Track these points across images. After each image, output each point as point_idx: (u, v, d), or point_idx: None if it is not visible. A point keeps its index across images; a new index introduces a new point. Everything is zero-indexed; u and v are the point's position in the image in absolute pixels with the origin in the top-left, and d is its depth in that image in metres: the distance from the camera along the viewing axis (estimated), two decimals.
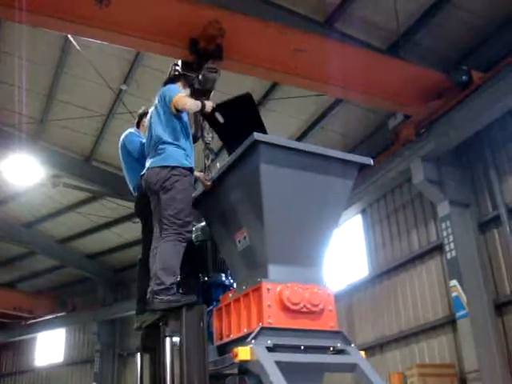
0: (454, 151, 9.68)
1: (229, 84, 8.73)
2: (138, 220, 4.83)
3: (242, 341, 3.59)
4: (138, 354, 4.35)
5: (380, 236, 11.68)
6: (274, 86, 10.26)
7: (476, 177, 9.72)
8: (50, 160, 12.64)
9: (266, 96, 10.47)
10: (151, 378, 4.19)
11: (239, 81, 9.27)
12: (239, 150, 3.86)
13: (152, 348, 4.17)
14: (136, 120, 5.18)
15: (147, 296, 3.95)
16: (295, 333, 3.61)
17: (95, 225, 15.91)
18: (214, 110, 4.49)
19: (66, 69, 10.51)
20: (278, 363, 3.29)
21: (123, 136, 4.97)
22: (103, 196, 14.11)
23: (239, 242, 4.02)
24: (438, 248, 10.01)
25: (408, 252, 10.81)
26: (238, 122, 4.48)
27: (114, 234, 16.31)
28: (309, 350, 3.60)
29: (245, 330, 3.68)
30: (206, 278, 4.56)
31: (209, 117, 4.68)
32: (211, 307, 4.27)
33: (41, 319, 18.87)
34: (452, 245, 9.25)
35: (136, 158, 4.76)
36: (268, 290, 3.60)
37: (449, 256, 9.32)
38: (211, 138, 5.29)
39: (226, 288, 4.48)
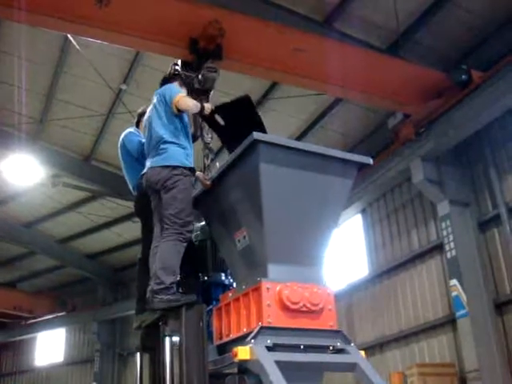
0: (454, 150, 9.67)
1: (228, 83, 8.75)
2: (137, 219, 4.83)
3: (241, 340, 3.59)
4: (138, 354, 4.36)
5: (380, 235, 11.67)
6: (273, 86, 10.25)
7: (476, 176, 9.72)
8: (50, 160, 12.64)
9: (265, 95, 10.46)
10: (151, 377, 4.19)
11: (239, 80, 9.27)
12: (239, 150, 3.86)
13: (152, 347, 4.17)
14: (135, 119, 5.18)
15: (147, 295, 3.95)
16: (295, 332, 3.61)
17: (95, 224, 15.91)
18: (213, 112, 4.50)
19: (66, 68, 10.50)
20: (278, 362, 3.29)
21: (123, 135, 4.98)
22: (103, 196, 14.11)
23: (239, 241, 4.02)
24: (438, 247, 10.01)
25: (408, 251, 10.81)
26: (238, 123, 4.48)
27: (114, 234, 16.30)
28: (308, 349, 3.60)
29: (244, 330, 3.68)
30: (206, 278, 4.56)
31: (208, 118, 4.69)
32: (211, 307, 4.27)
33: (41, 319, 18.87)
34: (452, 244, 9.24)
35: (135, 157, 4.76)
36: (268, 289, 3.60)
37: (449, 255, 9.31)
38: (211, 137, 5.29)
39: (225, 287, 4.48)
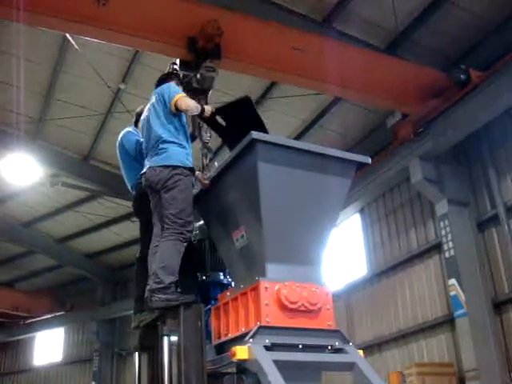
0: (453, 150, 9.68)
1: (227, 83, 8.75)
2: (136, 219, 4.82)
3: (239, 340, 3.59)
4: (136, 353, 4.35)
5: (378, 235, 11.68)
6: (272, 85, 10.25)
7: (474, 176, 9.72)
8: (49, 159, 12.64)
9: (264, 95, 10.46)
10: (149, 377, 4.19)
11: (237, 80, 9.27)
12: (237, 149, 3.85)
13: (150, 347, 4.17)
14: (134, 119, 5.17)
15: (145, 294, 3.94)
16: (293, 332, 3.60)
17: (94, 224, 15.91)
18: (213, 114, 4.48)
19: (64, 68, 10.49)
20: (276, 362, 3.29)
21: (121, 135, 4.97)
22: (102, 195, 14.10)
23: (237, 240, 4.02)
24: (437, 247, 10.02)
25: (406, 251, 10.82)
26: (239, 123, 4.47)
27: (113, 233, 16.29)
28: (307, 348, 3.59)
29: (243, 329, 3.67)
30: (204, 277, 4.56)
31: (208, 120, 4.68)
32: (209, 306, 4.27)
33: (39, 318, 18.84)
34: (450, 244, 9.25)
35: (134, 156, 4.75)
36: (266, 288, 3.60)
37: (447, 255, 9.32)
38: (209, 137, 5.28)
39: (223, 287, 4.49)
